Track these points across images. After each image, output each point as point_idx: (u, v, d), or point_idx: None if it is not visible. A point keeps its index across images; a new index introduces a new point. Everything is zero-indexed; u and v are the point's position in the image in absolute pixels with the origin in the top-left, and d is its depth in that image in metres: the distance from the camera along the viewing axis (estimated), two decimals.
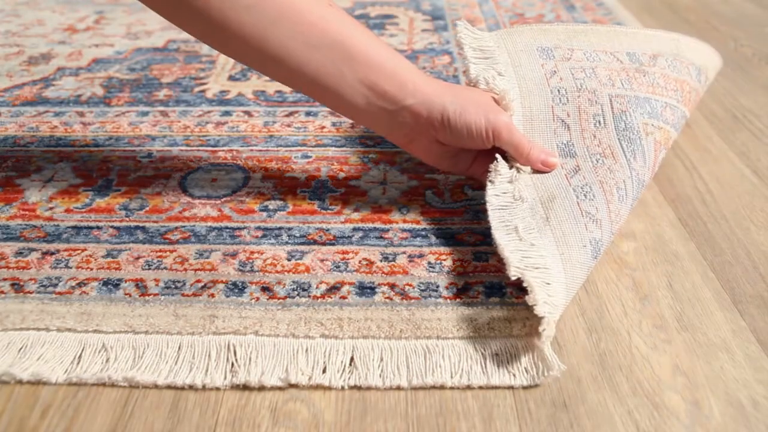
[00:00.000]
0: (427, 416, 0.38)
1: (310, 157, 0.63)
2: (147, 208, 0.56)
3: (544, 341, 0.40)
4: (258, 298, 0.46)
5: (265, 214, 0.55)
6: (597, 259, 0.46)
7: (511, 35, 0.59)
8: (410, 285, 0.47)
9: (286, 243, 0.51)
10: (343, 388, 0.40)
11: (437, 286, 0.47)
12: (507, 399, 0.39)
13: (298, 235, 0.52)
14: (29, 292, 0.47)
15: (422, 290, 0.47)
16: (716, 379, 0.40)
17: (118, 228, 0.53)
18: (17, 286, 0.47)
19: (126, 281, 0.48)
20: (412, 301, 0.46)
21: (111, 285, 0.47)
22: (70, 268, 0.49)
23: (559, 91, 0.55)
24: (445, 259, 0.50)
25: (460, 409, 0.39)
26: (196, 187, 0.59)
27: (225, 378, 0.40)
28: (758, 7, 1.06)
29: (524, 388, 0.40)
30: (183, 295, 0.46)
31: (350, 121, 0.70)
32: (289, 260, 0.50)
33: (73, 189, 0.59)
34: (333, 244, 0.51)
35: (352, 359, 0.42)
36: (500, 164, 0.50)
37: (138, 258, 0.50)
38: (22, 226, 0.54)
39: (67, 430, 0.38)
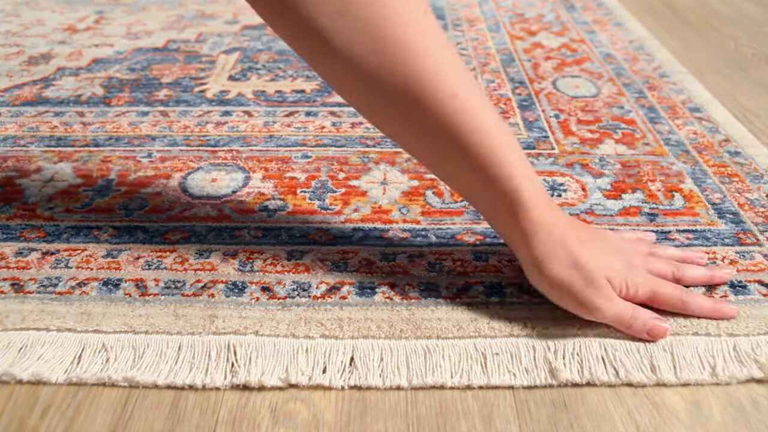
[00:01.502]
0: (427, 416, 0.38)
1: (310, 157, 0.63)
2: (147, 208, 0.56)
3: None
4: (258, 298, 0.46)
5: (265, 214, 0.55)
6: None
7: None
8: (410, 285, 0.47)
9: (286, 243, 0.51)
10: (343, 388, 0.40)
11: (437, 286, 0.47)
12: (507, 399, 0.39)
13: (298, 235, 0.52)
14: (29, 292, 0.47)
15: (422, 290, 0.47)
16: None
17: (118, 228, 0.53)
18: (17, 286, 0.47)
19: (126, 281, 0.48)
20: (412, 301, 0.46)
21: (111, 285, 0.47)
22: (70, 268, 0.49)
23: None
24: (445, 259, 0.50)
25: (460, 409, 0.39)
26: (196, 187, 0.59)
27: (225, 378, 0.40)
28: (758, 7, 1.06)
29: (524, 388, 0.40)
30: (183, 295, 0.46)
31: (350, 121, 0.70)
32: (289, 260, 0.50)
33: (73, 189, 0.59)
34: (333, 244, 0.51)
35: (352, 359, 0.42)
36: None
37: (138, 258, 0.50)
38: (22, 226, 0.54)
39: (67, 430, 0.38)
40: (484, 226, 0.53)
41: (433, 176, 0.60)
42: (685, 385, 0.40)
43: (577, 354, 0.42)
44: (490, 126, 0.40)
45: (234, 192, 0.58)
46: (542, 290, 0.44)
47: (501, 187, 0.40)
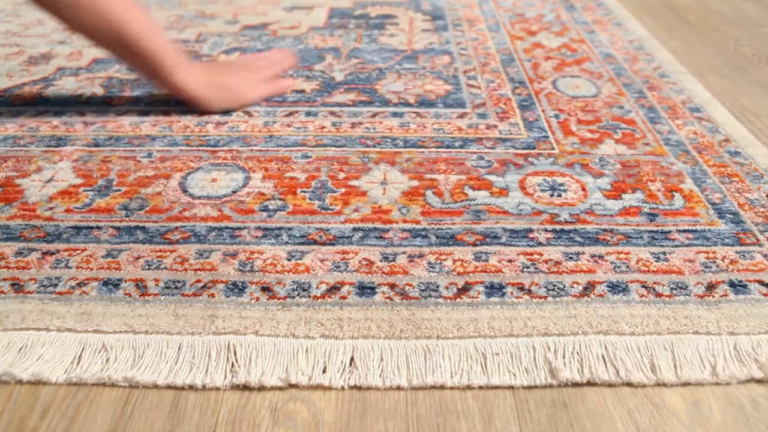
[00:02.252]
0: (427, 416, 0.38)
1: (310, 157, 0.63)
2: (147, 208, 0.56)
3: None
4: (258, 298, 0.46)
5: (265, 214, 0.55)
6: None
7: None
8: (410, 285, 0.47)
9: (286, 243, 0.51)
10: (343, 388, 0.40)
11: (437, 286, 0.47)
12: (507, 399, 0.39)
13: (298, 235, 0.52)
14: (29, 292, 0.47)
15: (422, 290, 0.47)
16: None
17: (118, 228, 0.53)
18: (17, 286, 0.47)
19: (126, 281, 0.48)
20: (412, 301, 0.46)
21: (111, 285, 0.47)
22: (70, 268, 0.49)
23: None
24: (445, 259, 0.50)
25: (460, 409, 0.39)
26: (196, 187, 0.59)
27: (225, 378, 0.40)
28: (758, 7, 1.06)
29: (524, 388, 0.40)
30: (183, 295, 0.46)
31: (350, 121, 0.70)
32: (289, 260, 0.50)
33: (73, 189, 0.59)
34: (333, 244, 0.51)
35: (352, 359, 0.42)
36: None
37: (138, 258, 0.50)
38: (22, 226, 0.54)
39: (67, 430, 0.38)
40: (484, 226, 0.53)
41: (433, 176, 0.60)
42: (685, 384, 0.40)
43: (577, 353, 0.42)
44: (154, 41, 0.65)
45: (234, 192, 0.58)
46: (212, 109, 0.70)
47: (159, 67, 0.66)
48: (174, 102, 0.74)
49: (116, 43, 0.63)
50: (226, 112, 0.71)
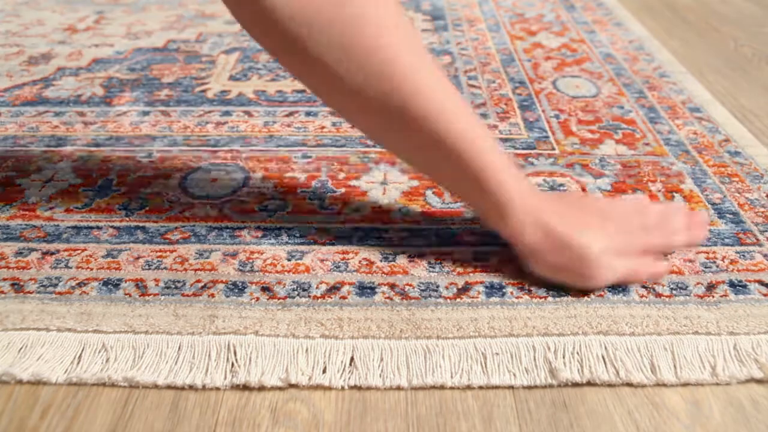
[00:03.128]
0: (427, 416, 0.38)
1: (310, 157, 0.63)
2: (147, 208, 0.56)
3: None
4: (258, 298, 0.46)
5: (265, 214, 0.55)
6: None
7: None
8: (410, 285, 0.47)
9: (286, 243, 0.51)
10: (343, 388, 0.40)
11: (437, 286, 0.47)
12: (507, 399, 0.39)
13: (298, 235, 0.52)
14: (29, 292, 0.47)
15: (422, 290, 0.47)
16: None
17: (118, 228, 0.53)
18: (17, 286, 0.47)
19: (126, 281, 0.48)
20: (412, 301, 0.46)
21: (111, 285, 0.47)
22: (70, 268, 0.49)
23: None
24: (445, 259, 0.50)
25: (460, 409, 0.39)
26: (196, 187, 0.59)
27: (225, 378, 0.40)
28: (758, 7, 1.06)
29: (524, 387, 0.40)
30: (183, 295, 0.46)
31: None
32: (289, 260, 0.50)
33: (73, 189, 0.59)
34: (333, 244, 0.51)
35: (352, 359, 0.42)
36: None
37: (138, 258, 0.50)
38: (22, 226, 0.54)
39: (67, 430, 0.38)
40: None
41: None
42: (685, 384, 0.40)
43: (577, 353, 0.42)
44: (479, 139, 0.42)
45: (234, 192, 0.58)
46: (544, 275, 0.46)
47: (493, 194, 0.44)
48: (174, 102, 0.74)
49: (393, 118, 0.41)
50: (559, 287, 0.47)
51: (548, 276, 0.46)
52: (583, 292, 0.46)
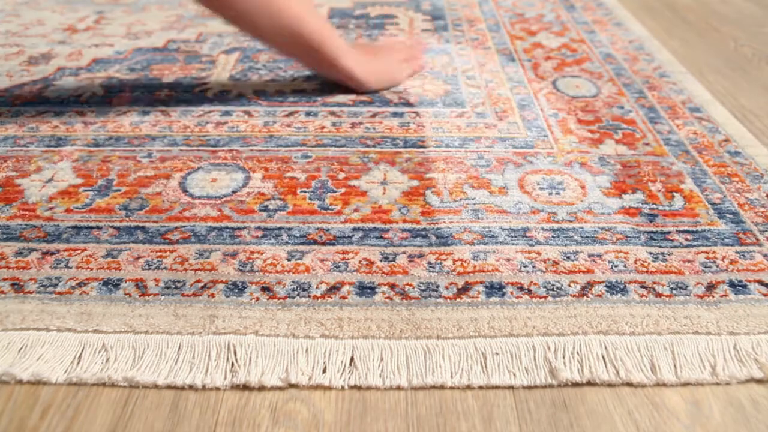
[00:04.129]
0: (427, 416, 0.38)
1: (310, 157, 0.63)
2: (147, 208, 0.56)
3: None
4: (258, 298, 0.46)
5: (265, 214, 0.55)
6: None
7: None
8: (410, 285, 0.47)
9: (286, 243, 0.51)
10: (343, 388, 0.40)
11: (437, 286, 0.47)
12: (507, 399, 0.39)
13: (298, 235, 0.52)
14: (29, 292, 0.47)
15: (422, 290, 0.47)
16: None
17: (118, 228, 0.53)
18: (17, 286, 0.47)
19: (126, 281, 0.48)
20: (412, 301, 0.46)
21: (111, 285, 0.47)
22: (70, 268, 0.49)
23: None
24: (445, 259, 0.50)
25: (460, 409, 0.39)
26: (196, 187, 0.59)
27: (225, 378, 0.40)
28: (758, 7, 1.06)
29: (524, 387, 0.40)
30: (183, 295, 0.46)
31: (350, 121, 0.70)
32: (289, 260, 0.50)
33: (73, 189, 0.59)
34: (333, 244, 0.51)
35: (352, 359, 0.42)
36: None
37: (138, 258, 0.50)
38: (22, 226, 0.54)
39: (67, 430, 0.38)
40: (481, 225, 0.53)
41: (432, 176, 0.60)
42: (685, 384, 0.40)
43: (577, 353, 0.42)
44: (326, 35, 0.70)
45: (234, 192, 0.58)
46: (371, 88, 0.76)
47: (329, 58, 0.71)
48: (174, 102, 0.74)
49: (291, 42, 0.68)
50: (377, 91, 0.77)
51: (374, 87, 0.76)
52: (582, 293, 0.46)
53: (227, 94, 0.76)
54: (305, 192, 0.58)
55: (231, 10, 0.64)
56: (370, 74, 0.76)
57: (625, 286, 0.47)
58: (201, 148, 0.65)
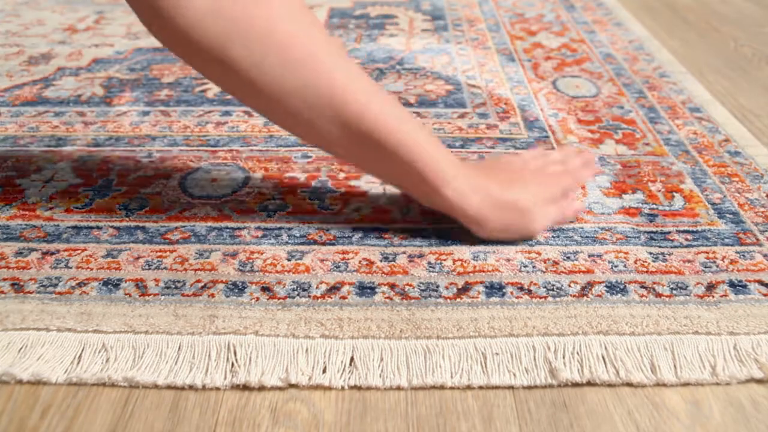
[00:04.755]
0: (427, 416, 0.38)
1: (310, 157, 0.63)
2: (147, 208, 0.56)
3: None
4: (258, 298, 0.46)
5: (265, 214, 0.55)
6: None
7: None
8: (410, 285, 0.47)
9: (286, 243, 0.51)
10: (343, 388, 0.40)
11: (437, 286, 0.47)
12: (507, 399, 0.39)
13: (298, 235, 0.52)
14: (29, 292, 0.47)
15: (422, 290, 0.47)
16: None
17: (118, 228, 0.53)
18: (17, 286, 0.47)
19: (126, 281, 0.48)
20: (412, 301, 0.46)
21: (111, 285, 0.47)
22: (70, 268, 0.49)
23: None
24: (445, 259, 0.50)
25: (460, 409, 0.39)
26: (196, 187, 0.59)
27: (225, 378, 0.40)
28: (758, 7, 1.06)
29: (524, 388, 0.40)
30: (183, 295, 0.46)
31: None
32: (289, 260, 0.50)
33: (73, 189, 0.59)
34: (333, 244, 0.51)
35: (352, 359, 0.42)
36: None
37: (138, 258, 0.50)
38: (22, 226, 0.54)
39: (67, 430, 0.38)
40: None
41: None
42: (685, 384, 0.40)
43: (578, 353, 0.42)
44: (407, 128, 0.45)
45: (234, 192, 0.58)
46: (490, 236, 0.50)
47: (426, 171, 0.46)
48: (174, 102, 0.74)
49: (344, 137, 0.43)
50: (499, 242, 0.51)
51: (495, 236, 0.49)
52: (582, 293, 0.46)
53: (227, 94, 0.76)
54: (305, 192, 0.58)
55: (216, 60, 0.40)
56: (494, 212, 0.47)
57: (625, 286, 0.47)
58: (201, 148, 0.65)
